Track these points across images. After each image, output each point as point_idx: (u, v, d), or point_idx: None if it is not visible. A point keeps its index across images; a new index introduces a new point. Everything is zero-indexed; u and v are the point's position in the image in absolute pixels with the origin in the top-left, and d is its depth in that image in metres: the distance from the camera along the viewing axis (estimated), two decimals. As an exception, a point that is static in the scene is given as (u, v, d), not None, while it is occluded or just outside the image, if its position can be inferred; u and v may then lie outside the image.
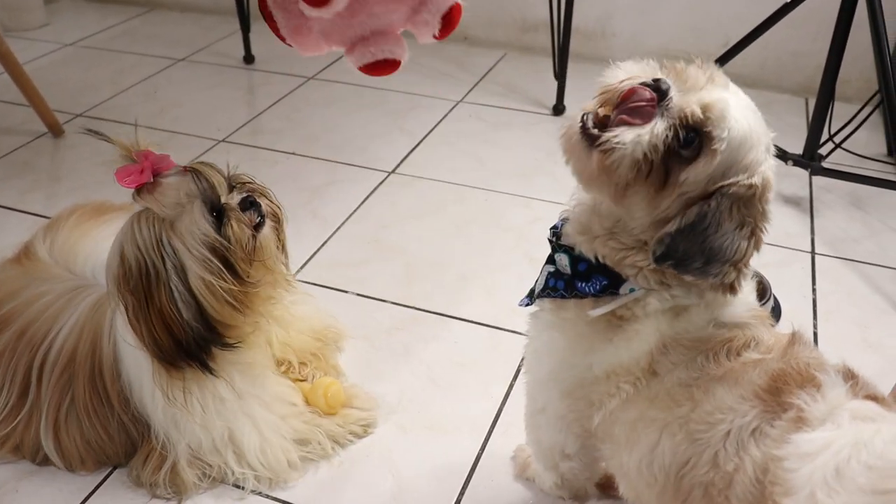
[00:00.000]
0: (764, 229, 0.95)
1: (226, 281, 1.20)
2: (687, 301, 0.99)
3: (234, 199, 1.23)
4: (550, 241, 1.08)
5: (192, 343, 1.22)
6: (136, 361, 1.30)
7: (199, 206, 1.19)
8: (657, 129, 0.90)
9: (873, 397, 0.89)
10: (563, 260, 1.05)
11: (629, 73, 0.98)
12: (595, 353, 1.04)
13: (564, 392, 1.09)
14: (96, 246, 1.47)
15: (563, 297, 1.04)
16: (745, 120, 0.93)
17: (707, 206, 0.91)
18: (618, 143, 0.91)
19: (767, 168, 0.94)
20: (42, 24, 3.50)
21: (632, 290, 0.99)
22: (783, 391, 0.91)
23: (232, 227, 1.21)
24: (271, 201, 1.30)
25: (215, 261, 1.19)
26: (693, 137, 0.90)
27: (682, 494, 0.96)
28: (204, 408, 1.31)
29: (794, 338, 0.99)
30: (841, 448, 0.80)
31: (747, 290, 1.03)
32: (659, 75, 0.95)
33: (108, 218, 1.58)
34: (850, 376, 0.92)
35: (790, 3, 2.06)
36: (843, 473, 0.78)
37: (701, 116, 0.89)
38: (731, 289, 0.97)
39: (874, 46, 1.97)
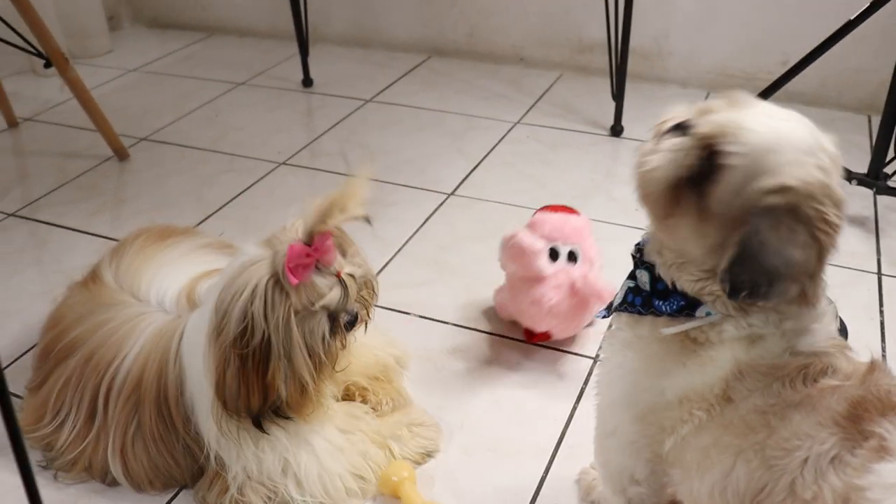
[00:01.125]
0: (825, 232, 0.91)
1: (313, 380, 1.27)
2: (764, 330, 0.98)
3: (344, 317, 1.28)
4: (633, 257, 1.08)
5: (266, 411, 1.27)
6: (200, 387, 1.32)
7: (327, 314, 1.25)
8: (676, 145, 0.93)
9: None
10: (643, 276, 1.05)
11: (675, 114, 1.00)
12: (668, 376, 1.03)
13: (636, 416, 1.08)
14: (159, 271, 1.51)
15: (640, 313, 1.04)
16: (768, 129, 0.91)
17: (747, 228, 0.90)
18: (646, 162, 0.95)
19: (803, 169, 0.90)
20: (107, 50, 3.59)
21: (708, 314, 0.99)
22: (863, 418, 0.88)
23: (337, 341, 1.29)
24: (368, 313, 1.36)
25: (312, 361, 1.26)
26: (712, 157, 0.91)
27: None
28: (256, 443, 1.33)
29: (874, 365, 0.97)
30: None
31: (827, 319, 1.01)
32: (690, 115, 0.97)
33: (171, 242, 1.62)
34: None
35: (853, 20, 2.03)
36: None
37: (711, 133, 0.91)
38: (805, 300, 0.94)
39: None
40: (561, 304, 1.62)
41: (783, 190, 0.89)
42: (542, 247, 1.63)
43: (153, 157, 2.65)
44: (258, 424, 1.29)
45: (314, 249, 1.21)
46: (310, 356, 1.24)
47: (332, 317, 1.26)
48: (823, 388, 0.95)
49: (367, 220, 1.28)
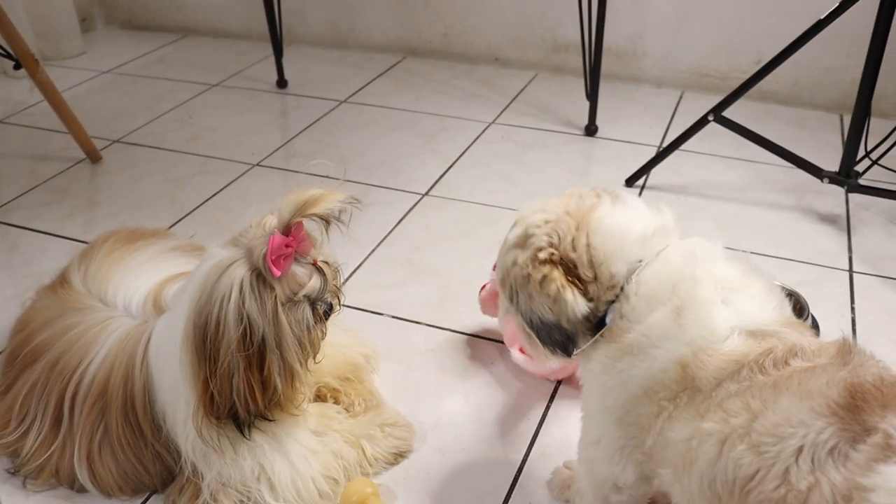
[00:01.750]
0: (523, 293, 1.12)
1: (302, 366, 1.29)
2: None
3: (322, 306, 1.30)
4: None
5: (253, 414, 1.27)
6: (174, 393, 1.31)
7: (309, 303, 1.27)
8: None
9: None
10: None
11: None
12: (625, 371, 1.05)
13: (617, 420, 1.08)
14: (126, 275, 1.49)
15: None
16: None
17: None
18: None
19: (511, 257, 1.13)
20: (79, 52, 3.56)
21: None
22: (863, 409, 0.86)
23: (319, 329, 1.31)
24: (339, 301, 1.37)
25: (301, 350, 1.28)
26: None
27: None
28: (235, 449, 1.32)
29: (846, 344, 0.97)
30: None
31: (773, 299, 1.05)
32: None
33: (140, 245, 1.60)
34: None
35: (823, 19, 2.04)
36: None
37: None
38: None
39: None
40: None
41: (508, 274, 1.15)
42: None
43: (126, 160, 2.63)
44: (241, 428, 1.28)
45: (292, 240, 1.21)
46: (299, 345, 1.26)
47: (312, 306, 1.27)
48: (796, 370, 0.94)
49: (344, 211, 1.28)
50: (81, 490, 1.41)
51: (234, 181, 2.47)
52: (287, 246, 1.21)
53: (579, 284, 1.09)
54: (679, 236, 1.13)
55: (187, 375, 1.25)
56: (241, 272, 1.21)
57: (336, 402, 1.54)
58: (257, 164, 2.56)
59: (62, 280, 1.53)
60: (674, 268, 1.05)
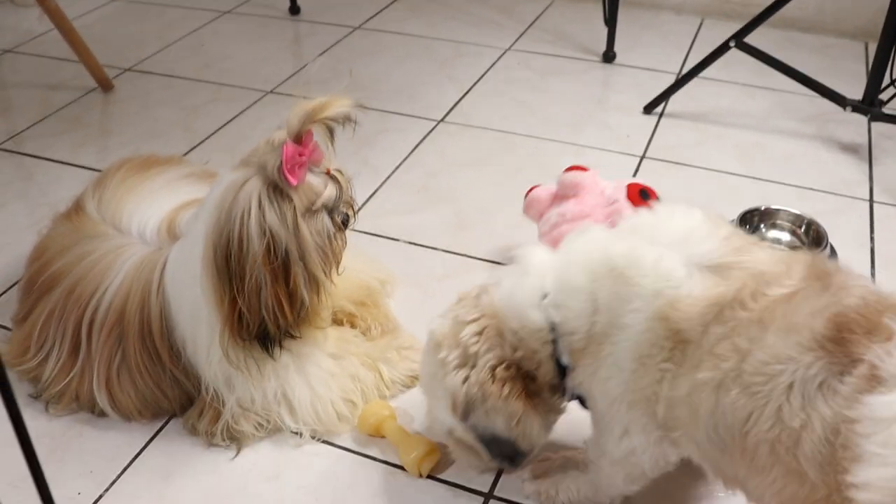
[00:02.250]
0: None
1: (326, 276, 1.30)
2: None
3: (339, 215, 1.31)
4: None
5: (283, 329, 1.28)
6: (194, 319, 1.31)
7: (327, 212, 1.28)
8: None
9: None
10: None
11: None
12: (610, 356, 1.05)
13: (630, 403, 1.06)
14: (141, 202, 1.49)
15: None
16: None
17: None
18: None
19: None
20: (89, -22, 3.51)
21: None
22: (849, 341, 0.86)
23: (339, 239, 1.32)
24: (353, 212, 1.38)
25: (324, 260, 1.28)
26: None
27: (749, 453, 0.92)
28: (261, 370, 1.33)
29: (818, 264, 0.96)
30: None
31: (674, 222, 1.06)
32: None
33: (153, 172, 1.59)
34: None
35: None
36: None
37: None
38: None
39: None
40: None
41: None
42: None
43: (138, 88, 2.61)
44: (269, 347, 1.29)
45: (304, 149, 1.21)
46: (322, 256, 1.27)
47: (330, 215, 1.28)
48: (777, 299, 0.93)
49: (351, 116, 1.29)
50: (102, 414, 1.42)
51: (247, 109, 2.45)
52: (300, 154, 1.21)
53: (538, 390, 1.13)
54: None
55: (210, 299, 1.26)
56: (257, 187, 1.20)
57: (352, 326, 1.55)
58: (270, 92, 2.53)
59: (77, 208, 1.53)
60: (569, 263, 1.09)
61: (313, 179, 1.25)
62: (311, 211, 1.24)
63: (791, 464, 0.88)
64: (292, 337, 1.31)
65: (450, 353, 1.15)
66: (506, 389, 1.10)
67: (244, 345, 1.29)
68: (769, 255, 1.01)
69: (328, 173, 1.28)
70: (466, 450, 1.25)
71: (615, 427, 1.11)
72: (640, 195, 1.63)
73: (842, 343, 0.86)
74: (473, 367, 1.12)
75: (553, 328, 1.09)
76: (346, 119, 1.28)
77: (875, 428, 0.78)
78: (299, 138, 1.21)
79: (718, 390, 0.93)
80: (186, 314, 1.32)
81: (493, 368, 1.11)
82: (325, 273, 1.29)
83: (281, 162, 1.19)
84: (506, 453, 1.17)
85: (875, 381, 0.81)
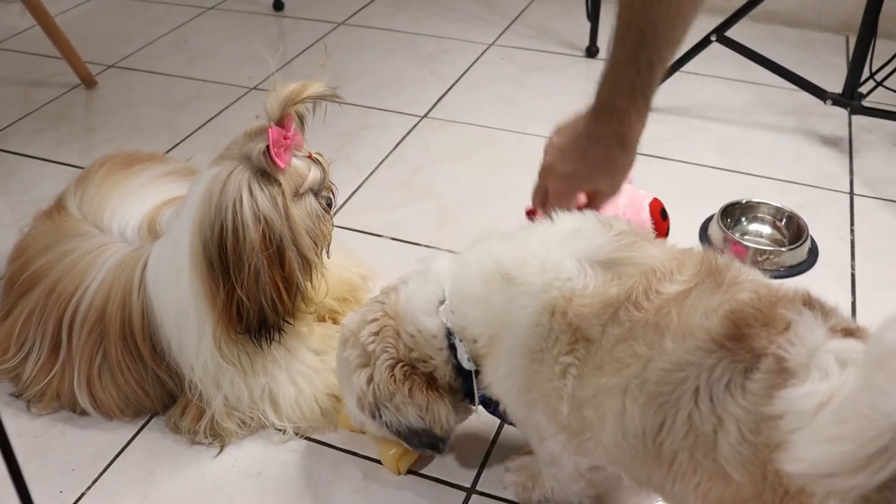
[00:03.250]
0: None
1: (318, 258, 1.32)
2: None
3: (323, 198, 1.34)
4: None
5: (282, 315, 1.30)
6: (179, 317, 1.31)
7: (313, 195, 1.30)
8: None
9: (850, 331, 0.84)
10: None
11: None
12: (502, 354, 1.06)
13: (528, 403, 1.06)
14: (122, 200, 1.49)
15: None
16: None
17: None
18: None
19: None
20: (72, -26, 3.50)
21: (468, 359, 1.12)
22: (748, 336, 0.85)
23: (327, 221, 1.34)
24: (334, 195, 1.39)
25: (315, 243, 1.31)
26: None
27: (667, 460, 0.90)
28: (253, 365, 1.34)
29: (709, 260, 0.96)
30: (843, 403, 0.74)
31: (560, 222, 1.08)
32: None
33: (135, 170, 1.59)
34: (814, 307, 0.87)
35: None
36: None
37: None
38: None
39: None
40: None
41: None
42: None
43: (122, 84, 2.60)
44: (266, 337, 1.30)
45: (287, 132, 1.23)
46: (312, 238, 1.29)
47: (316, 197, 1.30)
48: (671, 298, 0.92)
49: (334, 94, 1.32)
50: (83, 413, 1.42)
51: (231, 105, 2.45)
52: (285, 138, 1.22)
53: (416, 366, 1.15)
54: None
55: (201, 294, 1.26)
56: (245, 175, 1.21)
57: (335, 322, 1.55)
58: (254, 88, 2.53)
59: (59, 206, 1.53)
60: (466, 268, 1.10)
61: (297, 163, 1.26)
62: (298, 194, 1.26)
63: (712, 468, 0.86)
64: (288, 324, 1.32)
65: (353, 352, 1.18)
66: (407, 386, 1.13)
67: (238, 339, 1.29)
68: (661, 250, 1.01)
69: (310, 157, 1.29)
70: (383, 441, 1.30)
71: (531, 432, 1.12)
72: (661, 214, 1.62)
73: (741, 339, 0.85)
74: (374, 366, 1.15)
75: (449, 334, 1.11)
76: (325, 98, 1.29)
77: (800, 422, 0.77)
78: (281, 122, 1.22)
79: (624, 396, 0.92)
80: (171, 313, 1.32)
81: (392, 368, 1.14)
82: (316, 254, 1.31)
83: (267, 146, 1.20)
84: (426, 442, 1.19)
85: (785, 374, 0.80)
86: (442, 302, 1.12)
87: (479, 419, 1.42)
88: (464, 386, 1.17)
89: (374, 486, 1.32)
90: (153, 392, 1.40)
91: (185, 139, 2.27)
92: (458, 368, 1.14)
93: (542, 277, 1.00)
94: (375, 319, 1.17)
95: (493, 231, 1.15)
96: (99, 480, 1.34)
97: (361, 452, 1.37)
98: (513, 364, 1.04)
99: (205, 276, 1.25)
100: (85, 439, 1.40)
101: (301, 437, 1.40)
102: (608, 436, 0.96)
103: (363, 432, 1.37)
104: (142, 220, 1.44)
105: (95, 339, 1.36)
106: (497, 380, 1.08)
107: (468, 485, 1.32)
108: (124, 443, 1.40)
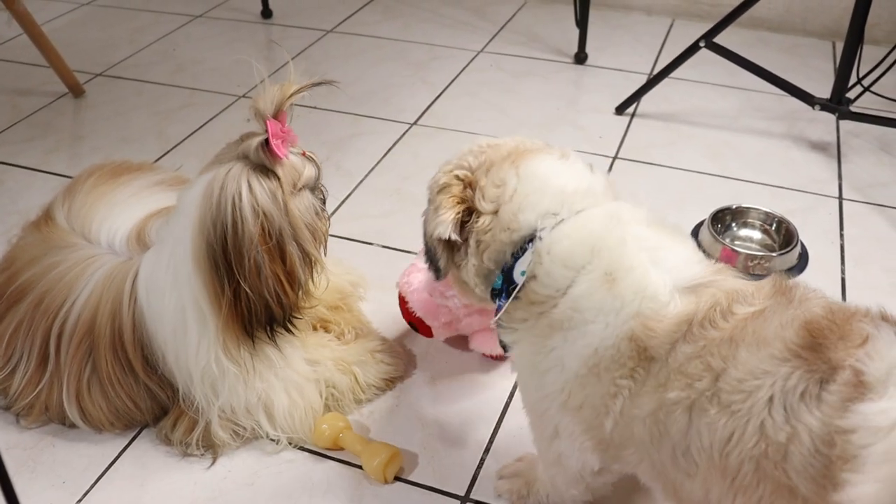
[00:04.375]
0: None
1: (317, 253, 1.33)
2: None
3: (318, 195, 1.35)
4: None
5: (288, 310, 1.30)
6: (177, 325, 1.30)
7: (309, 192, 1.31)
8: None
9: None
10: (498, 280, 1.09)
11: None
12: (558, 348, 1.01)
13: (561, 405, 1.04)
14: (110, 211, 1.48)
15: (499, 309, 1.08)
16: None
17: None
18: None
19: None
20: (59, -17, 3.48)
21: (522, 273, 1.03)
22: (825, 346, 0.84)
23: (324, 216, 1.36)
24: (324, 195, 1.40)
25: (314, 237, 1.31)
26: None
27: (731, 473, 0.89)
28: (255, 365, 1.34)
29: (781, 281, 0.94)
30: None
31: (688, 255, 1.02)
32: None
33: (124, 180, 1.58)
34: (893, 323, 0.85)
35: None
36: None
37: None
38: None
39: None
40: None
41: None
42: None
43: (110, 93, 2.59)
44: (272, 333, 1.30)
45: (283, 125, 1.24)
46: (311, 233, 1.30)
47: (312, 193, 1.32)
48: (745, 316, 0.91)
49: (329, 81, 1.34)
50: (73, 426, 1.41)
51: (220, 113, 2.44)
52: (283, 131, 1.23)
53: (474, 211, 1.07)
54: (612, 201, 1.08)
55: (204, 296, 1.26)
56: (243, 171, 1.22)
57: (326, 331, 1.55)
58: (243, 96, 2.53)
59: (46, 217, 1.51)
60: (592, 229, 1.01)
61: (294, 159, 1.26)
62: (295, 190, 1.27)
63: (780, 479, 0.85)
64: (296, 318, 1.33)
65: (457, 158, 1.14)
66: (451, 180, 1.09)
67: (243, 338, 1.29)
68: (741, 279, 1.00)
69: (304, 154, 1.30)
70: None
71: (546, 426, 1.09)
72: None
73: (817, 349, 0.84)
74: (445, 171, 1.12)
75: (531, 242, 1.03)
76: (319, 84, 1.32)
77: (873, 438, 0.76)
78: (276, 118, 1.23)
79: (692, 411, 0.91)
80: (167, 322, 1.31)
81: (456, 167, 1.11)
82: (315, 248, 1.32)
83: (265, 140, 1.20)
84: (432, 260, 1.14)
85: (863, 388, 0.79)
86: (554, 215, 1.03)
87: (472, 429, 1.42)
88: (490, 289, 1.11)
89: (367, 495, 1.32)
90: (144, 404, 1.39)
91: (174, 148, 2.26)
92: (506, 272, 1.07)
93: (639, 304, 0.96)
94: (496, 146, 1.13)
95: (651, 208, 1.07)
96: (90, 493, 1.33)
97: (355, 462, 1.36)
98: (564, 365, 1.01)
99: (209, 275, 1.24)
100: (75, 452, 1.40)
101: (295, 447, 1.39)
102: (665, 452, 0.94)
103: (340, 448, 1.37)
104: (130, 231, 1.43)
105: (84, 352, 1.35)
106: (532, 363, 1.05)
107: (462, 493, 1.32)
108: (115, 455, 1.39)
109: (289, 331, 1.32)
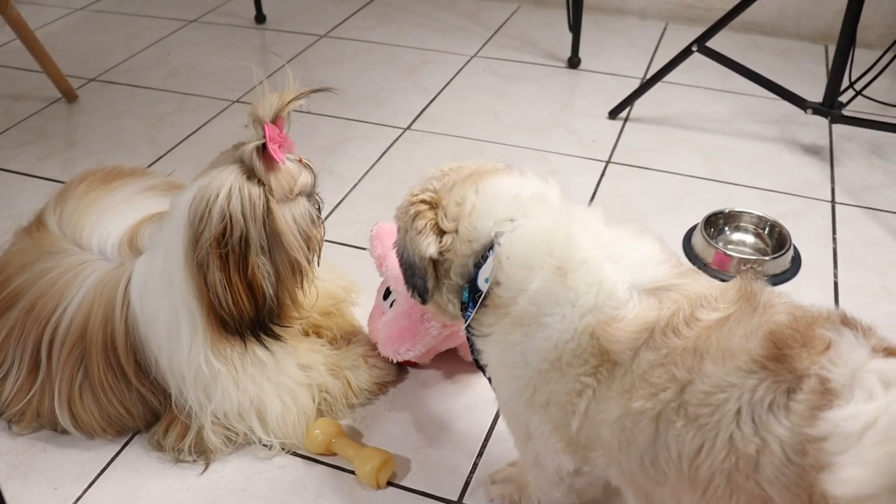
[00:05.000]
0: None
1: (309, 265, 1.32)
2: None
3: (314, 202, 1.34)
4: None
5: (265, 316, 1.28)
6: (171, 328, 1.30)
7: (305, 199, 1.30)
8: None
9: (891, 351, 0.83)
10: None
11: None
12: (520, 344, 1.03)
13: (527, 402, 1.05)
14: (102, 217, 1.47)
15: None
16: None
17: None
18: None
19: None
20: (52, -12, 3.48)
21: (486, 280, 1.06)
22: (789, 356, 0.84)
23: (319, 224, 1.35)
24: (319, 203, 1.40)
25: (307, 244, 1.30)
26: None
27: (702, 484, 0.89)
28: (244, 365, 1.33)
29: (746, 286, 0.94)
30: (889, 424, 0.73)
31: (651, 254, 1.03)
32: None
33: (115, 185, 1.58)
34: (853, 326, 0.86)
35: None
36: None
37: None
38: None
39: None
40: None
41: None
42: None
43: (103, 98, 2.59)
44: (265, 336, 1.30)
45: (281, 130, 1.24)
46: (305, 241, 1.29)
47: (308, 200, 1.31)
48: (710, 324, 0.91)
49: (328, 88, 1.37)
50: (65, 432, 1.41)
51: (213, 118, 2.44)
52: (280, 135, 1.23)
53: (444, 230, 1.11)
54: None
55: (193, 293, 1.25)
56: (233, 173, 1.22)
57: (318, 336, 1.55)
58: (237, 101, 2.53)
59: (38, 222, 1.51)
60: (546, 229, 1.04)
61: (290, 166, 1.26)
62: (290, 197, 1.26)
63: (754, 490, 0.85)
64: (277, 326, 1.31)
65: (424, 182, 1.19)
66: (422, 206, 1.12)
67: (230, 337, 1.28)
68: (708, 281, 1.01)
69: (300, 161, 1.30)
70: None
71: (519, 427, 1.12)
72: None
73: (782, 360, 0.85)
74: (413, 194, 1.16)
75: (491, 250, 1.06)
76: (318, 91, 1.33)
77: (845, 444, 0.76)
78: (275, 122, 1.23)
79: (658, 421, 0.91)
80: (161, 325, 1.31)
81: (424, 191, 1.15)
82: (307, 259, 1.30)
83: (263, 144, 1.20)
84: (415, 282, 1.16)
85: (829, 395, 0.80)
86: (511, 221, 1.06)
87: (464, 434, 1.42)
88: (460, 303, 1.13)
89: (360, 500, 1.31)
90: (136, 410, 1.39)
91: (167, 153, 2.26)
92: (471, 282, 1.10)
93: (595, 297, 0.98)
94: (459, 168, 1.18)
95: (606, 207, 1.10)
96: (81, 499, 1.32)
97: (348, 467, 1.36)
98: (527, 360, 1.03)
99: (194, 271, 1.24)
100: (67, 458, 1.39)
101: (287, 452, 1.39)
102: (633, 460, 0.95)
103: (333, 454, 1.37)
104: (122, 237, 1.43)
105: (76, 358, 1.35)
106: (499, 361, 1.08)
107: (455, 498, 1.32)
108: (107, 461, 1.39)
109: (275, 337, 1.32)
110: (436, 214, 1.12)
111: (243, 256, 1.22)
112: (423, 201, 1.13)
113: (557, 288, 1.00)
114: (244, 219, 1.20)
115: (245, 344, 1.30)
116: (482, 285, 1.07)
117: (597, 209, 1.09)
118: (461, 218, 1.09)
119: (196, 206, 1.21)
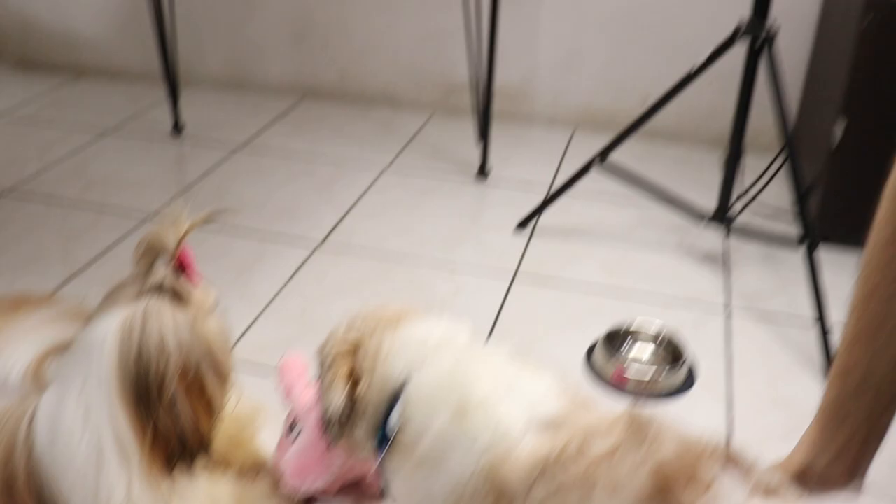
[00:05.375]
0: None
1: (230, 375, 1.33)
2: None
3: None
4: None
5: (204, 441, 1.29)
6: (88, 469, 1.27)
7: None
8: None
9: (771, 490, 0.88)
10: None
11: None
12: (421, 483, 1.08)
13: None
14: (4, 348, 1.46)
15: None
16: None
17: None
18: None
19: None
20: (-33, 96, 3.48)
21: (396, 422, 1.12)
22: (674, 493, 0.88)
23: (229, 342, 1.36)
24: None
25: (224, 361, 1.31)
26: None
27: None
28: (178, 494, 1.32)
29: (635, 417, 0.98)
30: None
31: (546, 387, 1.09)
32: None
33: (21, 315, 1.57)
34: (736, 463, 0.91)
35: (692, 73, 2.15)
36: None
37: None
38: None
39: (775, 106, 2.05)
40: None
41: None
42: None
43: (15, 212, 2.58)
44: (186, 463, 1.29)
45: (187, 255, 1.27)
46: (224, 357, 1.29)
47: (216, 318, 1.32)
48: (598, 459, 0.95)
49: (223, 211, 1.35)
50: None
51: (129, 234, 2.45)
52: (187, 258, 1.26)
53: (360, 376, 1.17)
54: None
55: (130, 431, 1.25)
56: (161, 306, 1.22)
57: (225, 468, 1.54)
58: (153, 215, 2.54)
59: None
60: (449, 370, 1.10)
61: (198, 289, 1.29)
62: (210, 311, 1.28)
63: None
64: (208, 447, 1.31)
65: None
66: (338, 357, 1.18)
67: (166, 470, 1.27)
68: (599, 413, 1.05)
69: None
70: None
71: None
72: None
73: (668, 493, 0.88)
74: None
75: (403, 387, 1.12)
76: (215, 216, 1.34)
77: None
78: (179, 246, 1.26)
79: None
80: (77, 466, 1.28)
81: (343, 340, 1.19)
82: (228, 372, 1.31)
83: (179, 267, 1.23)
84: (329, 427, 1.21)
85: None
86: (419, 365, 1.13)
87: None
88: (374, 443, 1.18)
89: None
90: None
91: (79, 271, 2.26)
92: (383, 424, 1.14)
93: (491, 437, 1.02)
94: (382, 315, 1.22)
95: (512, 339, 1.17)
96: None
97: None
98: (433, 497, 1.06)
99: (132, 411, 1.23)
100: None
101: None
102: None
103: None
104: (24, 371, 1.42)
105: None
106: (407, 498, 1.12)
107: None
108: None
109: (205, 459, 1.32)
110: (353, 361, 1.17)
111: (201, 378, 1.24)
112: (342, 351, 1.18)
113: (456, 429, 1.04)
114: (195, 345, 1.22)
115: (174, 475, 1.30)
116: (392, 427, 1.12)
117: (502, 346, 1.17)
118: (377, 364, 1.15)
119: (137, 353, 1.21)
